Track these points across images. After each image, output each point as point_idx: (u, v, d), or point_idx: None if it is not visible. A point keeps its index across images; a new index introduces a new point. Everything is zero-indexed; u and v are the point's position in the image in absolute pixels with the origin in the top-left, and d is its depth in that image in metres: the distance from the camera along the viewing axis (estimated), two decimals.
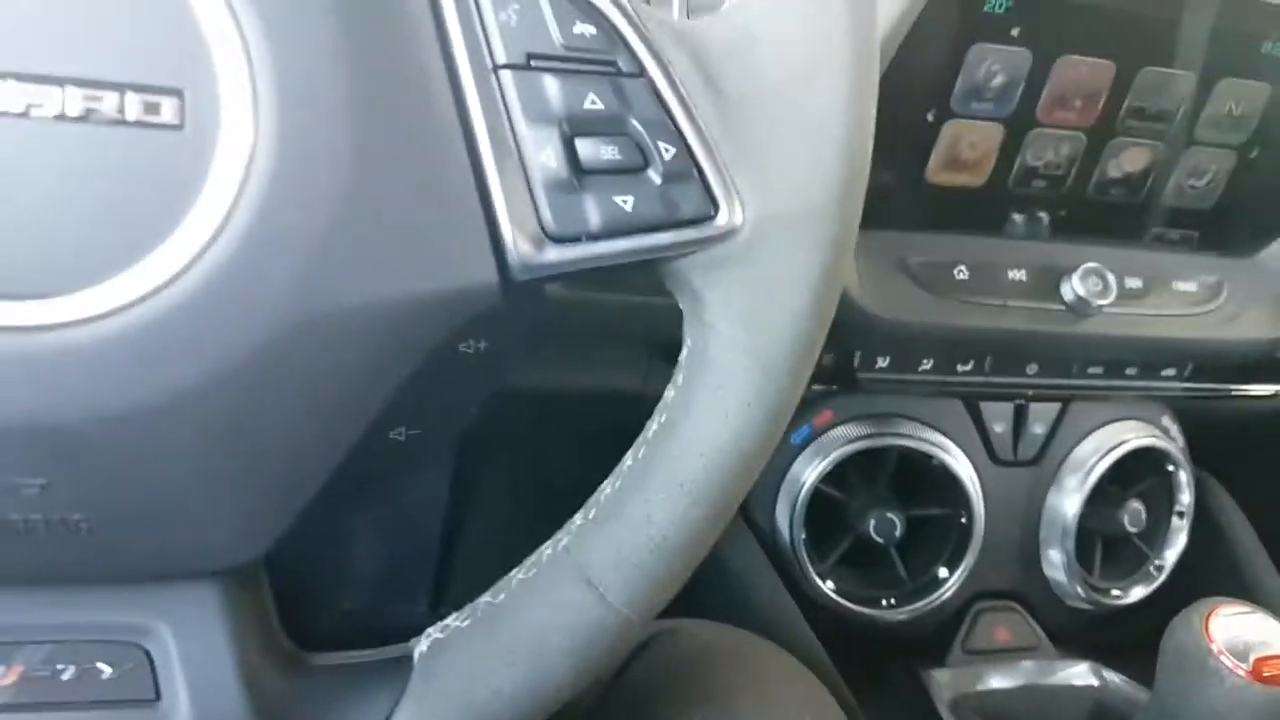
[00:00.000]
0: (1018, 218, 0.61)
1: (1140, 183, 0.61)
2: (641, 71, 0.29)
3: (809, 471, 0.62)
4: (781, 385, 0.31)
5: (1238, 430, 0.74)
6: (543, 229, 0.28)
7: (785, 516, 0.64)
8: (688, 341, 0.32)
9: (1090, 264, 0.59)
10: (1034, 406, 0.66)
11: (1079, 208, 0.61)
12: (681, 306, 0.32)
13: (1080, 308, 0.59)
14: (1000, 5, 0.53)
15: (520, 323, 0.34)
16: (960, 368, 0.63)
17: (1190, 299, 0.62)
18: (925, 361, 0.63)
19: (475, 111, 0.28)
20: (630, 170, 0.29)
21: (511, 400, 0.45)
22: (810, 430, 0.63)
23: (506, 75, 0.28)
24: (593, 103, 0.29)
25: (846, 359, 0.62)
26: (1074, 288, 0.58)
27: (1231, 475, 0.76)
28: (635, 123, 0.29)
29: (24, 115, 0.23)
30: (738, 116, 0.30)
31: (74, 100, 0.23)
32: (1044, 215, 0.61)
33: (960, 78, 0.55)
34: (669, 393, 0.32)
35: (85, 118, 0.23)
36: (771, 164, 0.30)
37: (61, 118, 0.23)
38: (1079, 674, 0.69)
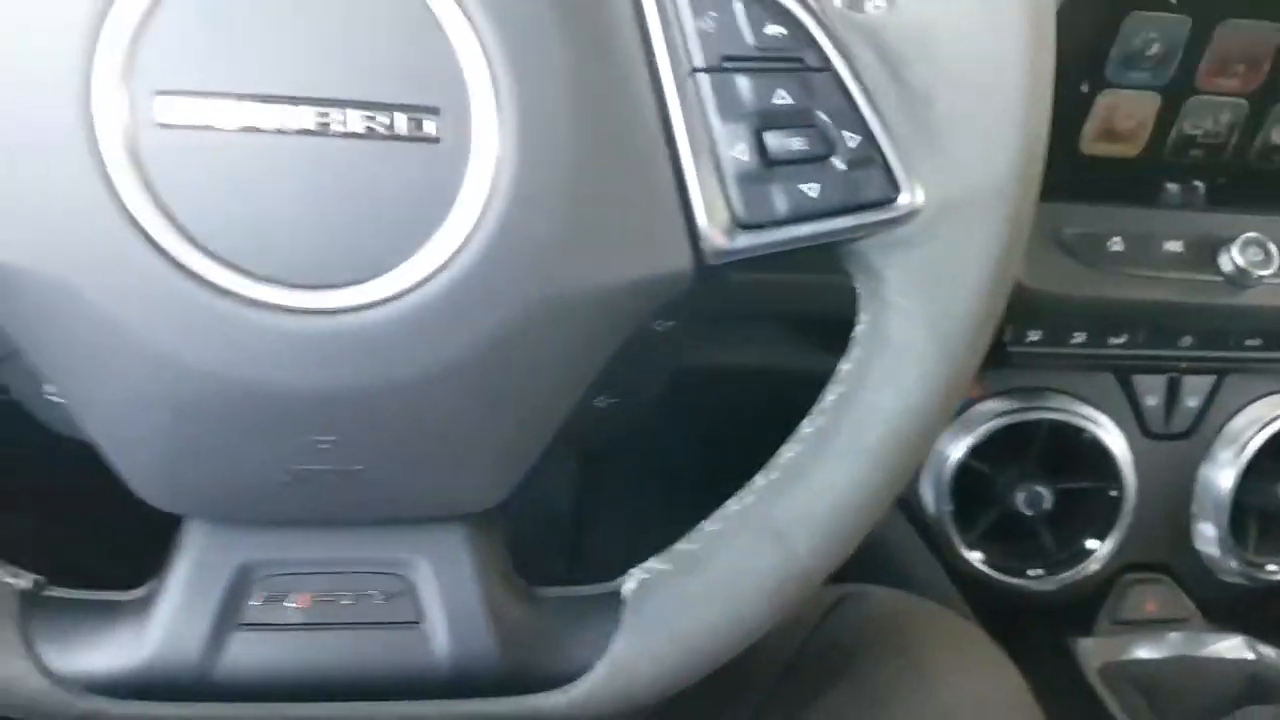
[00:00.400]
0: (1173, 187, 0.60)
1: None
2: (827, 66, 0.31)
3: (956, 446, 0.63)
4: (959, 359, 0.33)
5: None
6: (734, 218, 0.31)
7: (931, 489, 0.65)
8: (864, 318, 0.33)
9: (1251, 234, 0.58)
10: (1188, 379, 0.66)
11: (1239, 176, 0.60)
12: (858, 285, 0.33)
13: (1240, 279, 0.58)
14: None
15: (705, 304, 0.37)
16: (1113, 340, 0.63)
17: None
18: (1077, 335, 0.62)
19: (675, 112, 0.30)
20: (816, 159, 0.31)
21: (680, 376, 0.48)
22: (961, 403, 0.63)
23: (703, 77, 0.30)
24: (781, 98, 0.31)
25: (997, 333, 0.62)
26: (1233, 258, 0.57)
27: None
28: (821, 114, 0.31)
29: (318, 133, 0.27)
30: (919, 103, 0.31)
31: (356, 120, 0.27)
32: (1200, 184, 0.60)
33: (1115, 47, 0.55)
34: (844, 366, 0.34)
35: (366, 135, 0.27)
36: (952, 146, 0.32)
37: (347, 135, 0.27)
38: (1232, 647, 0.68)
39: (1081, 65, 0.55)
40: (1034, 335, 0.62)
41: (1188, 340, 0.64)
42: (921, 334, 0.32)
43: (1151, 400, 0.65)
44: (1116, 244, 0.58)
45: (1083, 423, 0.63)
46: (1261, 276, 0.57)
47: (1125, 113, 0.57)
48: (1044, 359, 0.63)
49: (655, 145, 0.30)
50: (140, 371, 0.28)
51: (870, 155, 0.31)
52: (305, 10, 0.27)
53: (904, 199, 0.31)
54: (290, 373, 0.28)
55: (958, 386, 0.33)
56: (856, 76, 0.31)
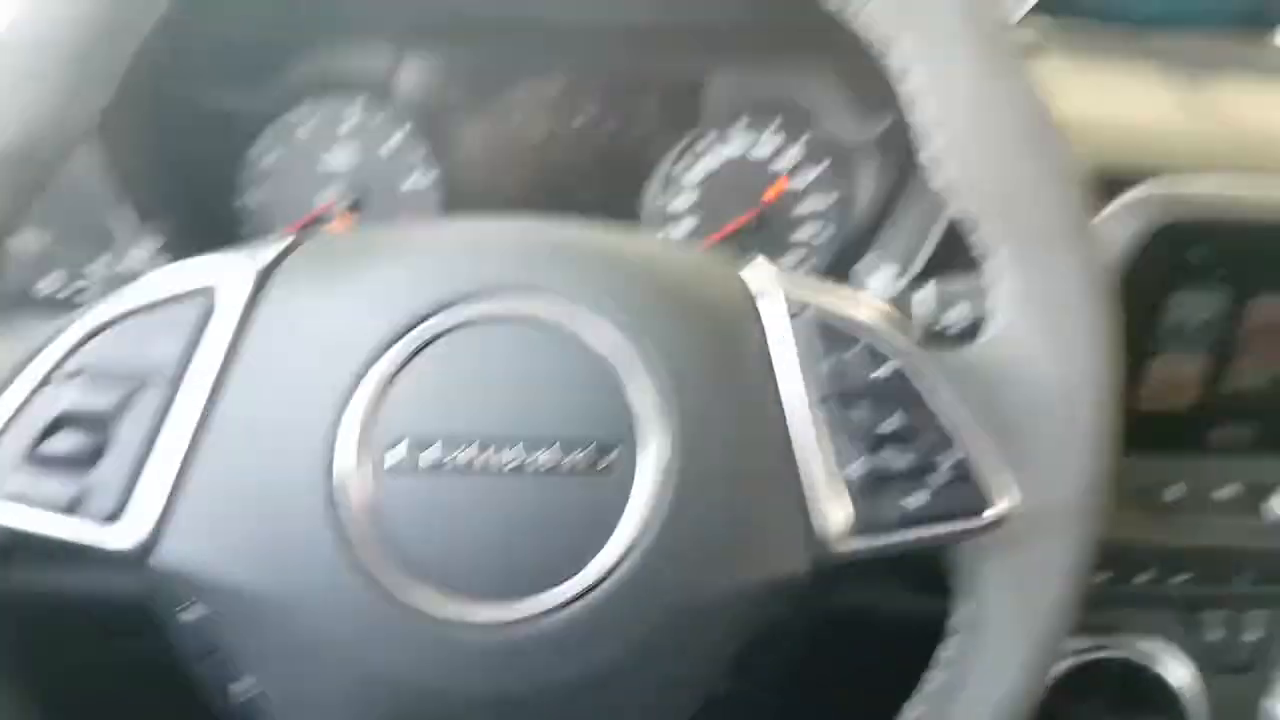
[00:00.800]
0: (1225, 430, 0.66)
1: None
2: (925, 400, 0.37)
3: None
4: (1045, 646, 0.38)
5: None
6: (850, 525, 0.36)
7: None
8: (961, 609, 0.39)
9: None
10: (1248, 614, 0.69)
11: None
12: (955, 581, 0.39)
13: None
14: (1202, 254, 0.59)
15: (821, 600, 0.42)
16: (1174, 579, 0.67)
17: None
18: (1142, 575, 0.67)
19: (802, 436, 0.37)
20: (920, 474, 0.37)
21: None
22: None
23: (826, 406, 0.37)
24: (891, 424, 0.37)
25: None
26: (1276, 506, 0.62)
27: None
28: (922, 439, 0.37)
29: (518, 472, 0.33)
30: (1005, 429, 0.38)
31: (550, 458, 0.33)
32: (1248, 430, 0.66)
33: (1164, 319, 0.61)
34: (945, 653, 0.39)
35: (556, 470, 0.33)
36: (1035, 467, 0.38)
37: (540, 471, 0.33)
38: None
39: (1134, 335, 0.61)
40: (1102, 576, 0.66)
41: (1246, 577, 0.67)
42: (1013, 629, 0.37)
43: (1213, 635, 0.68)
44: (1172, 492, 0.63)
45: (1148, 660, 0.66)
46: None
47: (1175, 375, 0.63)
48: (1112, 597, 0.67)
49: (785, 462, 0.36)
50: (348, 680, 0.34)
51: (964, 473, 0.37)
52: (509, 368, 0.34)
53: (993, 512, 0.37)
54: (469, 680, 0.33)
55: (1044, 672, 0.38)
56: (952, 408, 0.37)
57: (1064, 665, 0.66)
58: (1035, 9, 0.88)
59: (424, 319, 0.34)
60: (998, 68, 0.36)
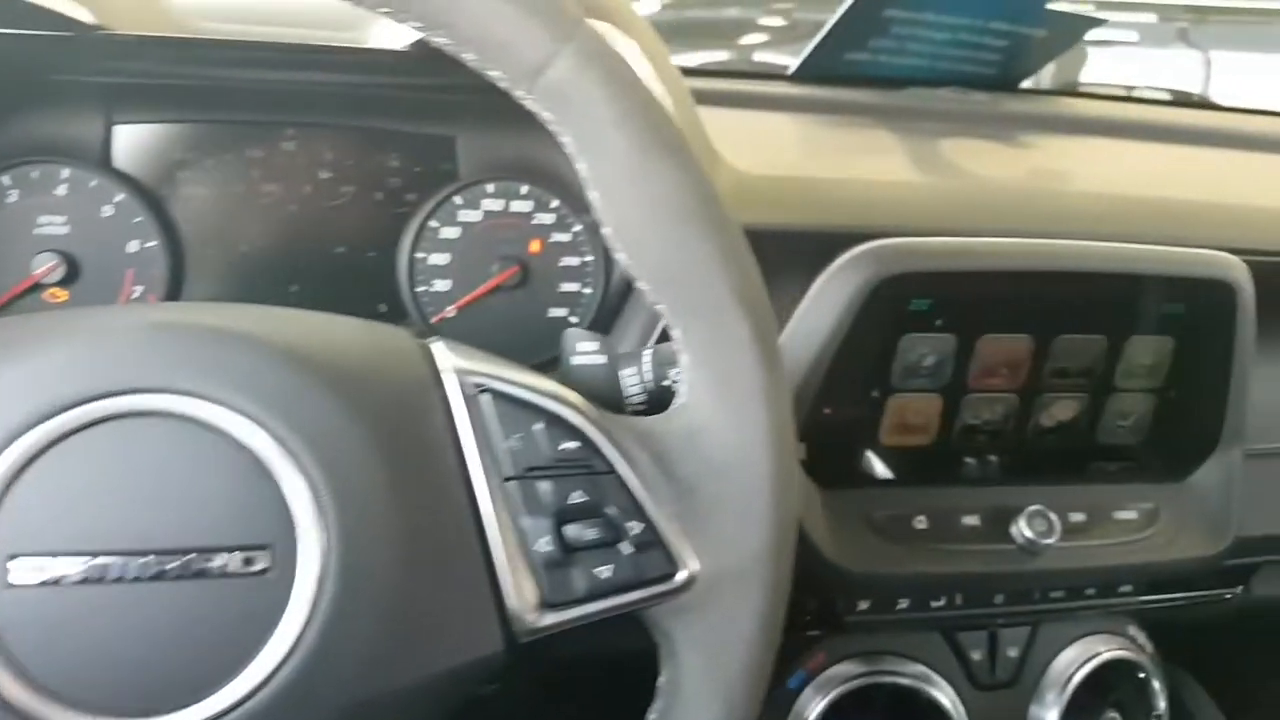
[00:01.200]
0: (971, 462, 0.69)
1: (1073, 428, 0.69)
2: (612, 469, 0.38)
3: (809, 711, 0.68)
4: (739, 702, 0.38)
5: (1206, 628, 0.80)
6: (541, 600, 0.36)
7: None
8: (664, 673, 0.39)
9: (1034, 507, 0.66)
10: (1006, 631, 0.73)
11: (1022, 454, 0.69)
12: (657, 644, 0.39)
13: (1030, 547, 0.66)
14: (923, 304, 0.63)
15: (526, 669, 0.42)
16: (933, 604, 0.70)
17: (1130, 527, 0.69)
18: (902, 601, 0.69)
19: (488, 516, 0.37)
20: (608, 545, 0.37)
21: None
22: (805, 674, 0.69)
23: (512, 485, 0.37)
24: (577, 497, 0.37)
25: (830, 605, 0.69)
26: (1022, 530, 0.66)
27: (1206, 668, 0.82)
28: (610, 508, 0.38)
29: (155, 579, 0.32)
30: (689, 494, 0.39)
31: (191, 564, 0.32)
32: (994, 458, 0.69)
33: (896, 362, 0.64)
34: (650, 715, 0.39)
35: (200, 576, 0.32)
36: (717, 528, 0.39)
37: (182, 578, 0.32)
38: None
39: (870, 377, 0.64)
40: (863, 605, 0.69)
41: (999, 598, 0.71)
42: (707, 685, 0.38)
43: (976, 654, 0.72)
44: (921, 522, 0.66)
45: (916, 682, 0.69)
46: (1048, 544, 0.65)
47: (914, 411, 0.66)
48: (876, 625, 0.70)
49: (469, 544, 0.36)
50: None
51: (652, 539, 0.38)
52: (141, 471, 0.33)
53: (681, 574, 0.38)
54: None
55: None
56: (637, 476, 0.38)
57: (839, 691, 0.68)
58: (800, 70, 0.92)
59: (47, 418, 0.32)
60: (652, 156, 0.37)
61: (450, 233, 0.68)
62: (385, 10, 0.37)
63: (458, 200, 0.67)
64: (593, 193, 0.38)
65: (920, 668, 0.70)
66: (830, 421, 0.65)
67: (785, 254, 0.65)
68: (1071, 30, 0.97)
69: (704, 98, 0.86)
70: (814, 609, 0.69)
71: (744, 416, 0.39)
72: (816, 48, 0.92)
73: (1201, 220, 0.72)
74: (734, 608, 0.39)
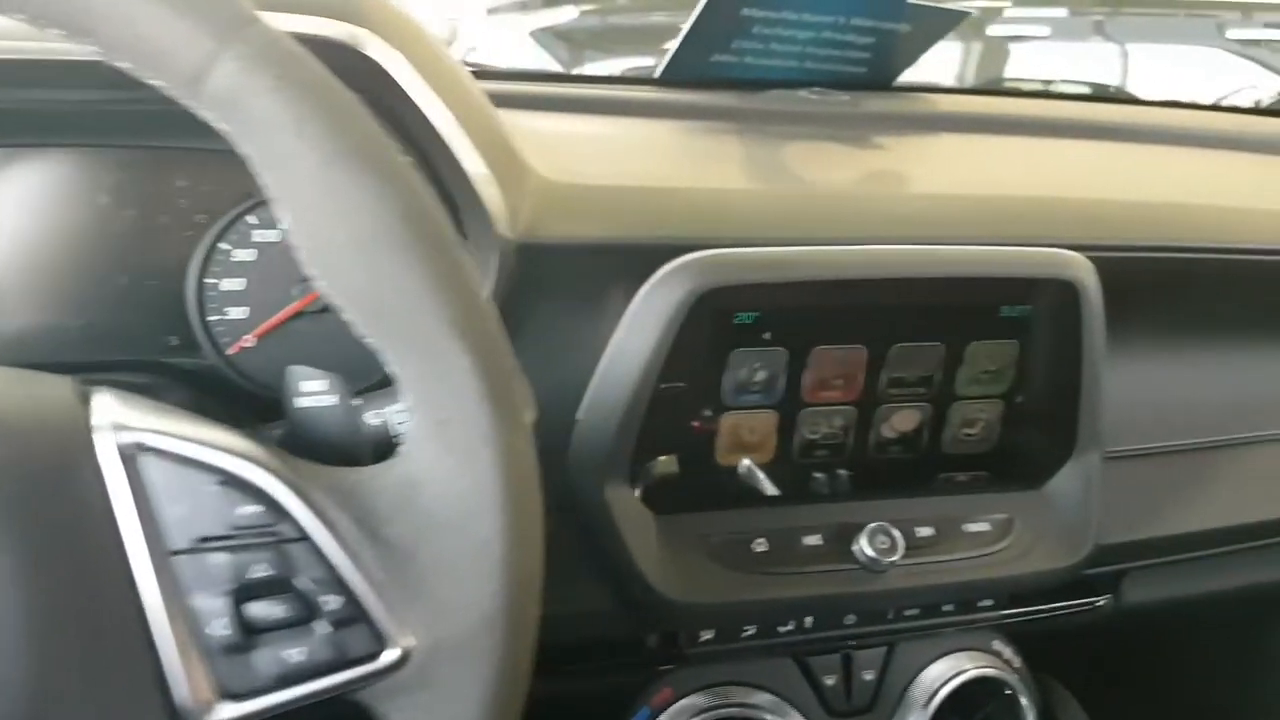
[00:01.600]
0: (818, 477, 0.66)
1: (916, 439, 0.66)
2: (304, 536, 0.33)
3: None
4: None
5: (1073, 637, 0.77)
6: (218, 690, 0.32)
7: None
8: None
9: (875, 524, 0.63)
10: (861, 654, 0.69)
11: (866, 468, 0.66)
12: None
13: (872, 565, 0.62)
14: (749, 318, 0.59)
15: None
16: (781, 629, 0.66)
17: (982, 540, 0.66)
18: (747, 628, 0.66)
19: (150, 597, 0.32)
20: (300, 623, 0.33)
21: None
22: (649, 711, 0.65)
23: (181, 559, 0.32)
24: (261, 570, 0.33)
25: (671, 638, 0.65)
26: (863, 548, 0.62)
27: (1078, 676, 0.79)
28: (302, 581, 0.33)
29: None
30: (403, 557, 0.34)
31: None
32: (843, 472, 0.66)
33: (726, 378, 0.60)
34: None
35: None
36: (436, 594, 0.34)
37: None
38: None
39: (701, 395, 0.61)
40: (707, 635, 0.65)
41: (851, 618, 0.68)
42: None
43: (830, 680, 0.69)
44: (760, 545, 0.63)
45: (764, 714, 0.65)
46: (891, 562, 0.62)
47: (749, 428, 0.63)
48: (720, 655, 0.66)
49: (128, 631, 0.31)
50: None
51: (354, 614, 0.33)
52: None
53: (390, 652, 0.33)
54: None
55: None
56: (336, 541, 0.34)
57: None
58: (666, 73, 0.88)
59: None
60: (342, 167, 0.33)
61: (244, 255, 0.63)
62: (20, 16, 0.32)
63: (251, 220, 0.62)
64: (281, 211, 0.34)
65: (770, 697, 0.67)
66: (662, 444, 0.61)
67: (608, 269, 0.61)
68: (936, 24, 0.94)
69: (574, 105, 0.82)
70: (654, 644, 0.65)
71: (467, 464, 0.34)
72: (679, 50, 0.88)
73: (1047, 217, 0.69)
74: (457, 685, 0.34)
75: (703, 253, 0.58)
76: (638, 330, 0.58)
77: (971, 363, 0.64)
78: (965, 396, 0.65)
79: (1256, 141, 0.93)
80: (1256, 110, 1.05)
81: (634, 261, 0.59)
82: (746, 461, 0.63)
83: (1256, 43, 1.49)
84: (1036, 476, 0.69)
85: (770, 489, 0.64)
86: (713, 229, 0.62)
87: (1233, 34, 1.51)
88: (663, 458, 0.61)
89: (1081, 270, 0.63)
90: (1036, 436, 0.67)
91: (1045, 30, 1.61)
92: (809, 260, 0.60)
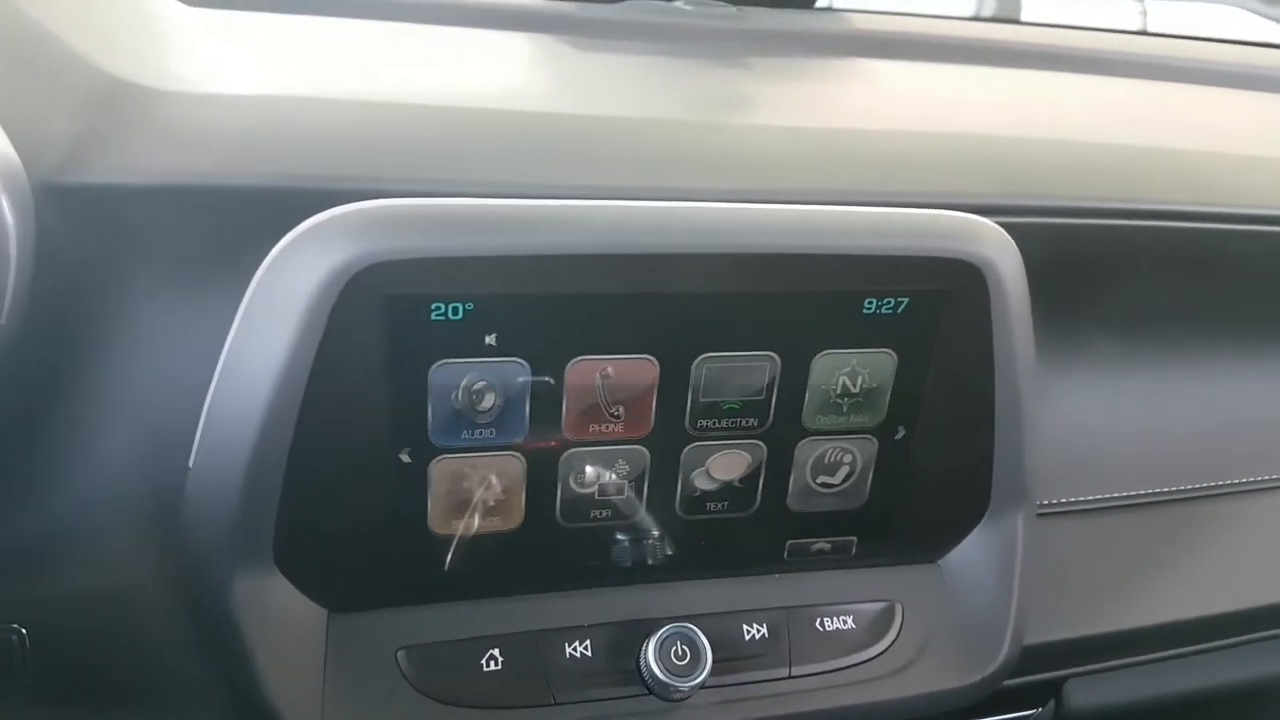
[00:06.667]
0: (595, 550, 0.44)
1: (746, 491, 0.44)
2: None
3: None
4: None
5: None
6: None
7: None
8: None
9: (671, 626, 0.42)
10: None
11: (668, 536, 0.44)
12: None
13: (663, 691, 0.41)
14: (456, 312, 0.37)
15: None
16: None
17: (846, 643, 0.45)
18: None
19: None
20: None
21: None
22: None
23: None
24: None
25: None
26: (650, 663, 0.41)
27: None
28: None
29: None
30: None
31: None
32: (624, 539, 0.44)
33: (431, 405, 0.39)
34: None
35: None
36: None
37: None
38: None
39: (390, 431, 0.39)
40: None
41: None
42: None
43: None
44: (494, 660, 0.41)
45: None
46: (693, 685, 0.41)
47: (478, 480, 0.41)
48: None
49: None
50: None
51: None
52: None
53: None
54: None
55: None
56: None
57: None
58: None
59: None
60: None
61: None
62: None
63: None
64: None
65: None
66: (331, 504, 0.39)
67: (219, 227, 0.40)
68: None
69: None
70: None
71: None
72: None
73: (946, 164, 0.47)
74: None
75: (368, 204, 0.36)
76: (264, 330, 0.36)
77: (824, 382, 0.42)
78: (819, 431, 0.44)
79: (1256, 77, 0.70)
80: (1258, 43, 0.82)
81: (258, 215, 0.37)
82: (473, 530, 0.42)
83: None
84: (930, 545, 0.48)
85: (514, 570, 0.43)
86: (403, 167, 0.40)
87: None
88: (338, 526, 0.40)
89: (992, 245, 0.42)
90: (929, 489, 0.46)
91: None
92: (551, 219, 0.38)
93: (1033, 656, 0.48)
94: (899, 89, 0.62)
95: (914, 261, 0.40)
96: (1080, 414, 0.53)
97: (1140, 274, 0.54)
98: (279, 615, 0.39)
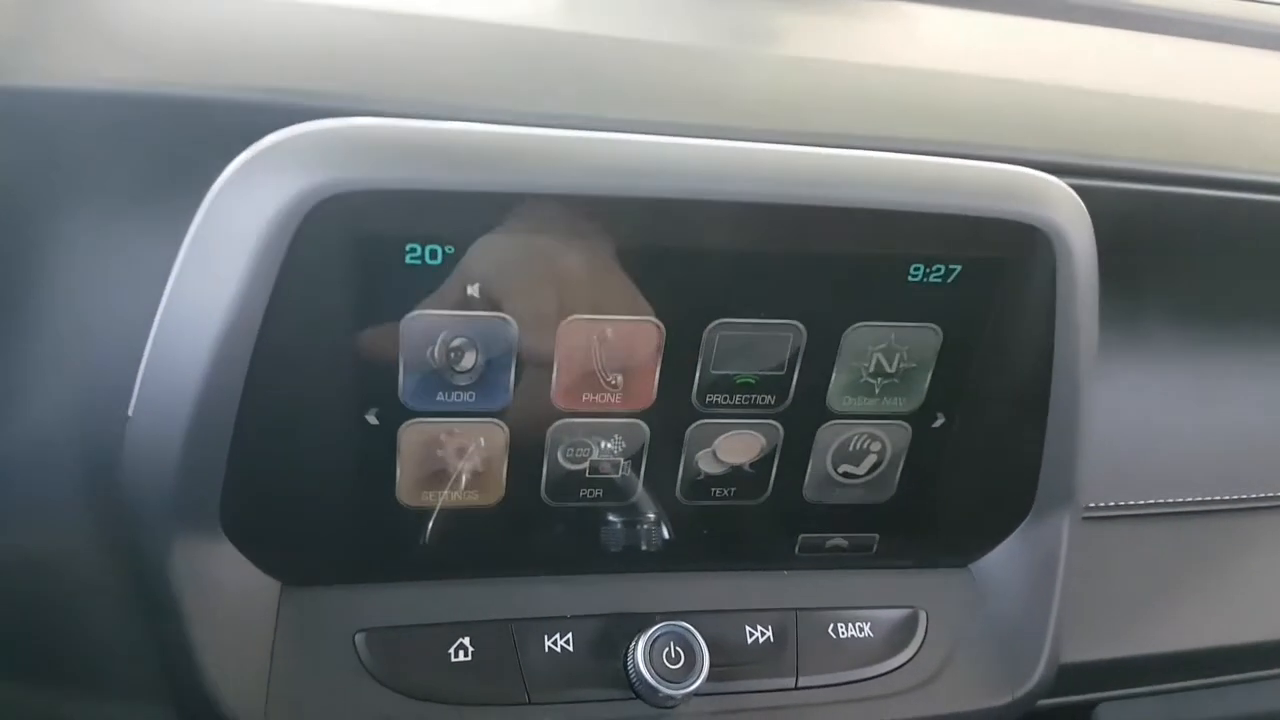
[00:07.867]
0: (583, 533, 0.39)
1: (759, 479, 0.39)
2: None
3: None
4: None
5: None
6: None
7: None
8: None
9: (664, 624, 0.37)
10: None
11: (667, 522, 0.39)
12: None
13: (654, 698, 0.37)
14: (434, 256, 0.32)
15: None
16: None
17: (864, 652, 0.40)
18: None
19: None
20: None
21: None
22: None
23: None
24: None
25: None
26: (639, 665, 0.36)
27: None
28: None
29: None
30: None
31: None
32: (617, 522, 0.39)
33: (402, 361, 0.34)
34: None
35: None
36: None
37: None
38: None
39: (355, 388, 0.34)
40: None
41: None
42: None
43: None
44: (463, 651, 0.37)
45: None
46: (685, 694, 0.36)
47: (455, 448, 0.36)
48: None
49: None
50: None
51: None
52: None
53: None
54: None
55: None
56: None
57: None
58: None
59: None
60: None
61: None
62: None
63: None
64: None
65: None
66: (285, 467, 0.35)
67: (164, 146, 0.35)
68: None
69: None
70: None
71: None
72: None
73: (1008, 115, 0.41)
74: None
75: (334, 122, 0.31)
76: (213, 265, 0.31)
77: (855, 359, 0.37)
78: (845, 414, 0.38)
79: None
80: None
81: (209, 131, 0.32)
82: (447, 503, 0.37)
83: None
84: (962, 547, 0.43)
85: (491, 551, 0.38)
86: (382, 83, 0.35)
87: None
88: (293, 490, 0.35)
89: (1064, 209, 0.36)
90: (966, 485, 0.41)
91: None
92: (550, 151, 0.32)
93: (1067, 676, 0.43)
94: (944, 34, 0.56)
95: (972, 223, 0.35)
96: (1132, 408, 0.48)
97: (1211, 256, 0.48)
98: (223, 586, 0.35)
